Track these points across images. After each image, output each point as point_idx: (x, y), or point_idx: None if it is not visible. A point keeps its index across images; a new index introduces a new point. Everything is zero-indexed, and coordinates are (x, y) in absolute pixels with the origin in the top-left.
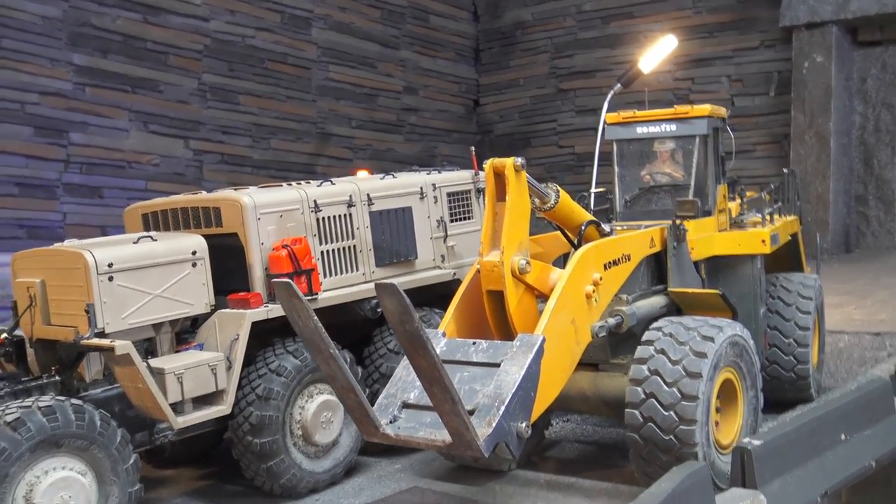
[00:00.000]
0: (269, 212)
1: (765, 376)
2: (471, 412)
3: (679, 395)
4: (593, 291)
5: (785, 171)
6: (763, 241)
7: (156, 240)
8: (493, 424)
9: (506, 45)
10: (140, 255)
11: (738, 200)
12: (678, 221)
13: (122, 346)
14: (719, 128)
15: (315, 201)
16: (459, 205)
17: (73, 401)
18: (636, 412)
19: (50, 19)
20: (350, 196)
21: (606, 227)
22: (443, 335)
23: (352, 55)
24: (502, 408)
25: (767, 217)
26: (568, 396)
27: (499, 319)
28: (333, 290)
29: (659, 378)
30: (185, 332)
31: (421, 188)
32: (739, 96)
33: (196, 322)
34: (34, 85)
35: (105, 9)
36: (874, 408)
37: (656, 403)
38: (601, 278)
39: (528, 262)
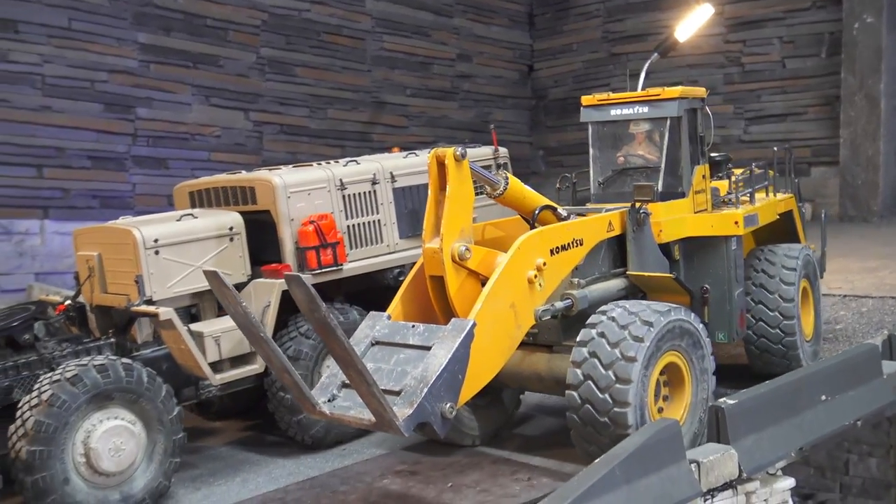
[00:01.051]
0: (298, 190)
1: (754, 349)
2: (398, 393)
3: (613, 378)
4: (535, 276)
5: (775, 149)
6: (736, 223)
7: (197, 217)
8: (415, 405)
9: (559, 10)
10: (182, 232)
11: (731, 179)
12: (637, 205)
13: (166, 313)
14: (697, 108)
15: (341, 180)
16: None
17: (124, 360)
18: (575, 393)
19: (116, 0)
20: (374, 174)
21: (563, 212)
22: (388, 318)
23: (405, 24)
24: (425, 389)
25: (745, 198)
26: (523, 376)
27: (442, 303)
28: (358, 260)
29: (596, 360)
30: None
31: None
32: (791, 58)
33: (236, 290)
34: (103, 64)
35: None
36: (860, 371)
37: (592, 385)
38: (545, 263)
39: (467, 249)
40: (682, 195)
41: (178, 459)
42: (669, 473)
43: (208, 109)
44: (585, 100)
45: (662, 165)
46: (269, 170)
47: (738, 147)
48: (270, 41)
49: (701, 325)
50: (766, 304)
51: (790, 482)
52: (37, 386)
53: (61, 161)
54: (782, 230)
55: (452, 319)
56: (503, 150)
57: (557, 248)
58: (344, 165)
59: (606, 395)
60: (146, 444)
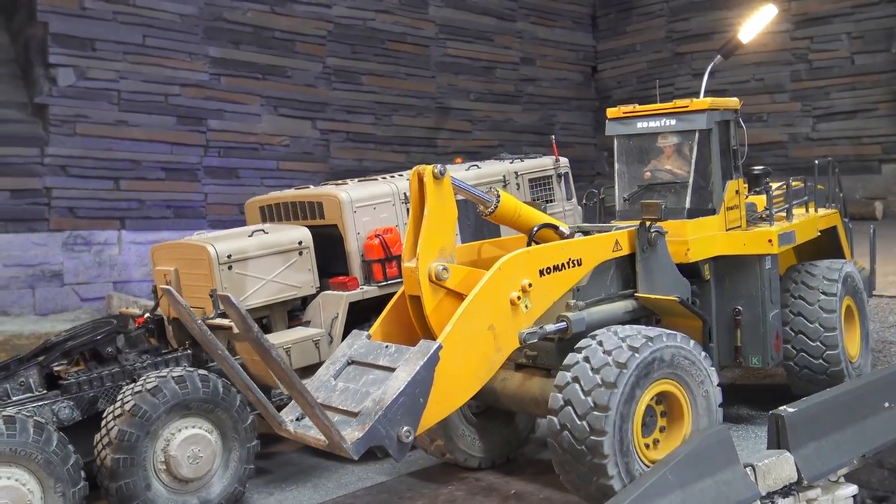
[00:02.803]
0: (363, 205)
1: (793, 366)
2: (355, 414)
3: (592, 405)
4: (518, 298)
5: (816, 162)
6: (770, 241)
7: (267, 233)
8: (367, 429)
9: (622, 11)
10: (254, 247)
11: (772, 193)
12: (648, 223)
13: None
14: (730, 120)
15: (405, 194)
16: (541, 189)
17: (201, 371)
18: (555, 419)
19: (187, 17)
20: None
21: (566, 230)
22: (367, 337)
23: (469, 30)
24: (379, 413)
25: (782, 214)
26: (523, 400)
27: (423, 323)
28: None
29: (578, 386)
30: (296, 310)
31: (504, 176)
32: (860, 54)
33: (305, 302)
34: (175, 78)
35: (236, 3)
36: None
37: (572, 412)
38: (530, 284)
39: (445, 268)
40: (713, 212)
41: (252, 466)
42: (724, 477)
43: (277, 119)
44: (611, 112)
45: (690, 181)
46: (336, 185)
47: (807, 145)
48: (336, 51)
49: (703, 354)
50: (806, 315)
51: (853, 489)
52: (120, 396)
53: (137, 173)
54: (827, 247)
55: (420, 341)
56: (564, 160)
57: (549, 268)
58: (408, 179)
59: (584, 423)
60: (222, 451)
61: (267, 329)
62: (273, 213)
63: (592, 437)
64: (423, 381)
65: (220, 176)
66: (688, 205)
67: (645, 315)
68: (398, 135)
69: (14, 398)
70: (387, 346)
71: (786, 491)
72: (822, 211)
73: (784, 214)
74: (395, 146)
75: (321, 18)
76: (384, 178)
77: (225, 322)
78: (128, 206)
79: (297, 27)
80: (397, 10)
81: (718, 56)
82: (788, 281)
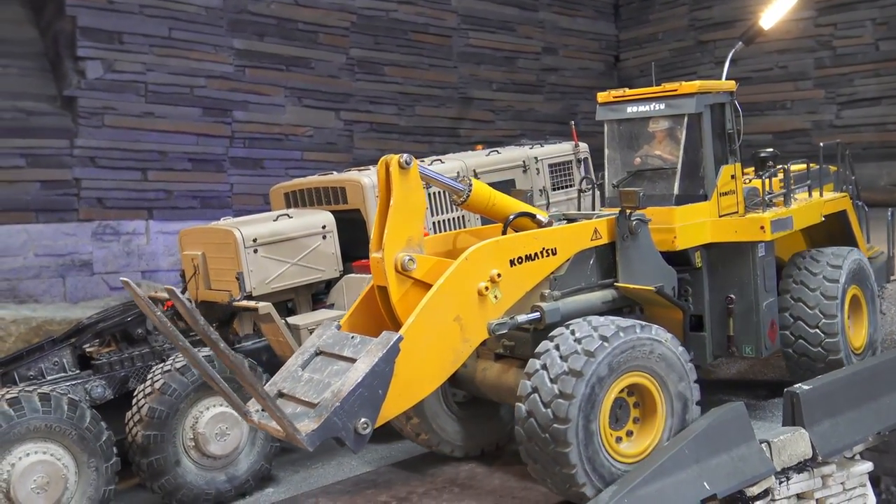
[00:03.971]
0: None
1: (791, 353)
2: (314, 405)
3: (557, 393)
4: (487, 289)
5: (821, 144)
6: (762, 228)
7: (292, 217)
8: (322, 420)
9: (644, 0)
10: (279, 231)
11: (776, 177)
12: (628, 211)
13: (265, 307)
14: (725, 103)
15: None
16: (561, 174)
17: None
18: (522, 406)
19: (212, 9)
20: (457, 172)
21: (544, 218)
22: (337, 327)
23: (491, 20)
24: (336, 404)
25: (779, 200)
26: (502, 390)
27: (391, 314)
28: None
29: (545, 373)
30: (320, 293)
31: (523, 161)
32: (884, 40)
33: (329, 285)
34: (201, 70)
35: None
36: None
37: (538, 398)
38: (499, 275)
39: (412, 259)
40: (705, 198)
41: (279, 444)
42: (740, 452)
43: (301, 110)
44: (601, 96)
45: (679, 166)
46: (359, 170)
47: (831, 132)
48: (359, 42)
49: (680, 348)
50: (806, 301)
51: (868, 466)
52: (150, 376)
53: (164, 164)
54: (838, 232)
55: (383, 332)
56: (583, 146)
57: (520, 258)
58: (429, 164)
59: (549, 410)
60: (249, 429)
61: (292, 311)
62: (297, 199)
63: (556, 425)
64: (382, 373)
65: (245, 166)
66: (676, 191)
67: (627, 305)
68: (421, 125)
69: (49, 377)
70: (352, 337)
71: (801, 467)
72: (828, 195)
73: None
74: (418, 136)
75: (344, 10)
76: None
77: (251, 304)
78: (155, 197)
79: (320, 19)
80: (420, 1)
81: (739, 43)
82: (792, 267)
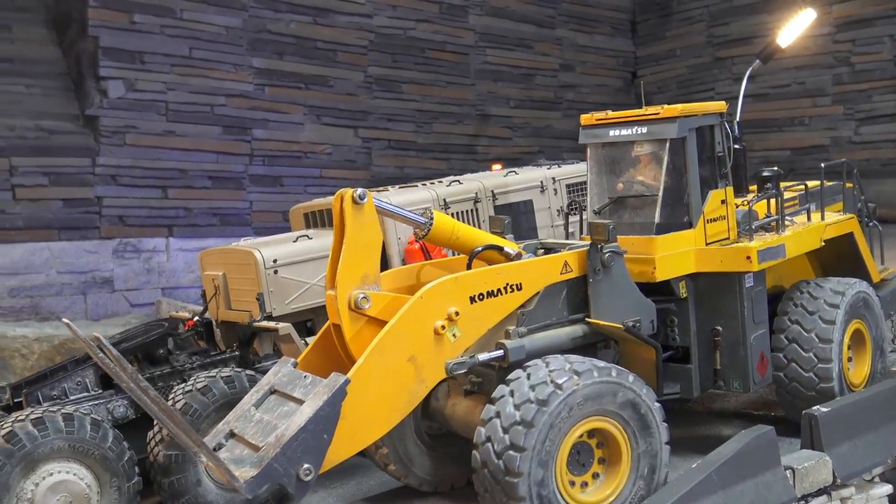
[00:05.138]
0: None
1: (785, 395)
2: (258, 449)
3: (508, 444)
4: (443, 328)
5: (822, 165)
6: (748, 258)
7: (311, 238)
8: (262, 467)
9: (662, 16)
10: (299, 252)
11: (775, 200)
12: (600, 245)
13: (285, 328)
14: (714, 125)
15: (444, 199)
16: (578, 195)
17: (248, 371)
18: (477, 454)
19: (232, 29)
20: (476, 193)
21: (513, 251)
22: (293, 364)
23: (508, 38)
24: (276, 450)
25: (773, 224)
26: (469, 427)
27: (348, 352)
28: None
29: (498, 421)
30: None
31: (541, 182)
32: None
33: None
34: (221, 89)
35: (279, 14)
36: None
37: (491, 449)
38: (457, 313)
39: (365, 297)
40: (689, 225)
41: None
42: (765, 479)
43: (320, 128)
44: (584, 119)
45: (661, 193)
46: (377, 191)
47: (849, 148)
48: (377, 60)
49: (645, 389)
50: (801, 343)
51: (887, 488)
52: (171, 395)
53: (184, 182)
54: (848, 254)
55: (331, 374)
56: None
57: (482, 294)
58: (447, 185)
59: (501, 461)
60: None
61: (311, 331)
62: (316, 219)
63: (508, 478)
64: (326, 418)
65: (264, 184)
66: (657, 219)
67: (602, 340)
68: (439, 142)
69: (71, 397)
70: (305, 377)
71: (819, 491)
72: (833, 216)
73: (786, 222)
74: (436, 153)
75: (362, 28)
76: (424, 184)
77: (271, 325)
78: (175, 214)
79: (338, 37)
80: (437, 19)
81: (757, 61)
82: (788, 302)
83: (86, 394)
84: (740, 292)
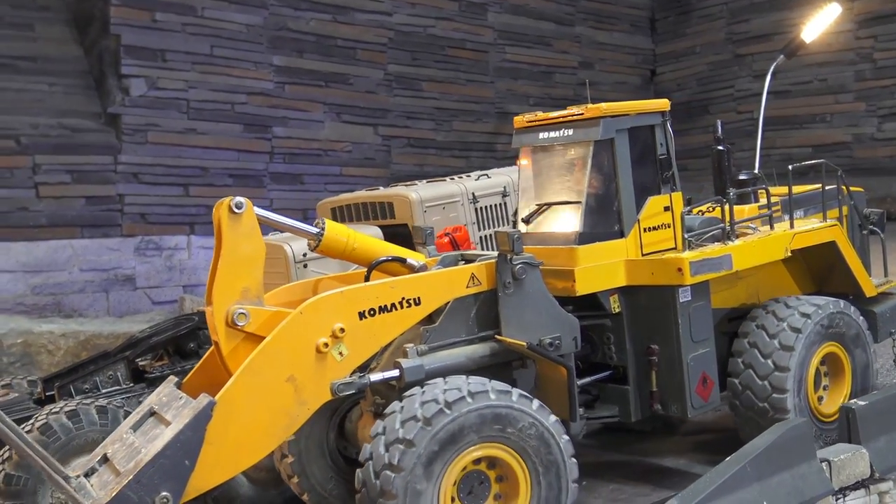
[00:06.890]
0: (433, 205)
1: (740, 422)
2: (119, 474)
3: (386, 463)
4: (326, 345)
5: (790, 167)
6: (679, 270)
7: None
8: (113, 495)
9: (681, 13)
10: None
11: (753, 204)
12: (509, 257)
13: None
14: (654, 125)
15: (473, 194)
16: None
17: None
18: (359, 472)
19: (253, 27)
20: (504, 187)
21: (417, 263)
22: (177, 384)
23: (527, 35)
24: (131, 476)
25: (747, 231)
26: None
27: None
28: None
29: (382, 438)
30: None
31: None
32: None
33: None
34: (241, 87)
35: (299, 13)
36: None
37: (370, 468)
38: (343, 330)
39: (243, 313)
40: (620, 234)
41: None
42: (800, 471)
43: (339, 126)
44: (517, 121)
45: (584, 200)
46: (406, 185)
47: (872, 145)
48: (397, 58)
49: (552, 419)
50: (756, 369)
51: None
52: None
53: (206, 180)
54: (836, 265)
55: (200, 395)
56: None
57: (372, 309)
58: (476, 179)
59: (377, 482)
60: None
61: None
62: (345, 214)
63: (381, 500)
64: (188, 442)
65: (285, 182)
66: (580, 228)
67: (517, 359)
68: (458, 140)
69: (104, 390)
70: (180, 398)
71: (857, 484)
72: (810, 223)
73: (750, 230)
74: (456, 151)
75: (382, 26)
76: (452, 178)
77: None
78: (197, 212)
79: (358, 35)
80: (457, 16)
81: (781, 56)
82: (749, 322)
83: (118, 387)
84: (674, 307)
